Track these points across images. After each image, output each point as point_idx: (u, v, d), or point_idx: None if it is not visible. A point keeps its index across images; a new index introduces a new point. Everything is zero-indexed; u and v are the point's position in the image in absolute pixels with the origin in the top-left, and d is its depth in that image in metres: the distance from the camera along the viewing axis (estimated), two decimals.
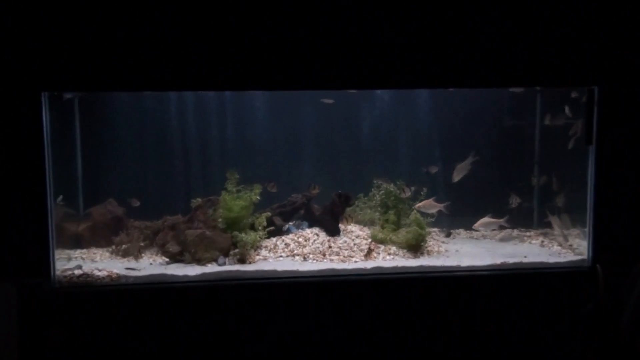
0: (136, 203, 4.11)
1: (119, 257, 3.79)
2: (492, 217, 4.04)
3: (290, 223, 4.12)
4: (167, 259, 3.65)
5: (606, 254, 3.38)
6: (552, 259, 3.63)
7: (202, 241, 3.61)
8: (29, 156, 3.06)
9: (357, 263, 3.59)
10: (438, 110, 4.46)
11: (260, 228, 3.77)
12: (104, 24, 3.04)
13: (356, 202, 4.31)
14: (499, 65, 3.28)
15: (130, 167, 4.30)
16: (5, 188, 3.05)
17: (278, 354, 3.25)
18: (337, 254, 3.70)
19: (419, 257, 3.75)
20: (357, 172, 4.51)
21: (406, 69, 3.24)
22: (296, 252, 3.72)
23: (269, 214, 3.91)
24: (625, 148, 3.39)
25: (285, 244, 3.81)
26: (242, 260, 3.58)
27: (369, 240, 3.89)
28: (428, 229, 3.93)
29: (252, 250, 3.65)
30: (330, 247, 3.78)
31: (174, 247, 3.67)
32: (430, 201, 3.99)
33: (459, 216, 4.26)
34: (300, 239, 3.87)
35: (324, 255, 3.69)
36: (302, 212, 4.22)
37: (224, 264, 3.55)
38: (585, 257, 3.51)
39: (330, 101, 4.28)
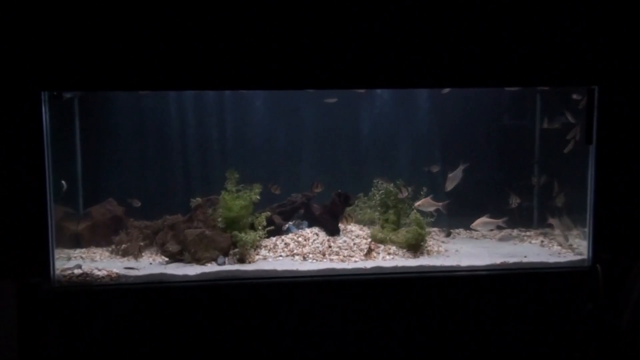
0: (137, 204, 4.11)
1: (118, 257, 3.79)
2: (490, 217, 4.04)
3: (290, 223, 4.12)
4: (166, 259, 3.65)
5: (606, 254, 3.37)
6: (552, 259, 3.63)
7: (202, 241, 3.60)
8: (28, 155, 3.06)
9: (357, 263, 3.58)
10: (438, 109, 4.45)
11: (260, 228, 3.76)
12: (104, 23, 3.04)
13: (356, 202, 4.30)
14: (499, 65, 3.28)
15: (130, 166, 4.30)
16: (5, 187, 3.05)
17: (278, 353, 3.25)
18: (337, 253, 3.70)
19: (418, 257, 3.75)
20: (356, 172, 4.50)
21: (406, 69, 3.24)
22: (296, 252, 3.72)
23: (268, 213, 3.91)
24: (625, 148, 3.39)
25: (285, 244, 3.81)
26: (241, 260, 3.58)
27: (369, 240, 3.89)
28: (428, 229, 3.93)
29: (252, 250, 3.65)
30: (330, 246, 3.78)
31: (173, 247, 3.67)
32: (428, 199, 3.99)
33: (458, 216, 4.26)
34: (300, 239, 3.87)
35: (324, 255, 3.69)
36: (301, 211, 4.22)
37: (224, 263, 3.55)
38: (585, 257, 3.51)
39: (333, 100, 4.28)
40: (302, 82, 3.22)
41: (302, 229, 4.06)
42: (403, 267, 3.50)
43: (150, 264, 3.61)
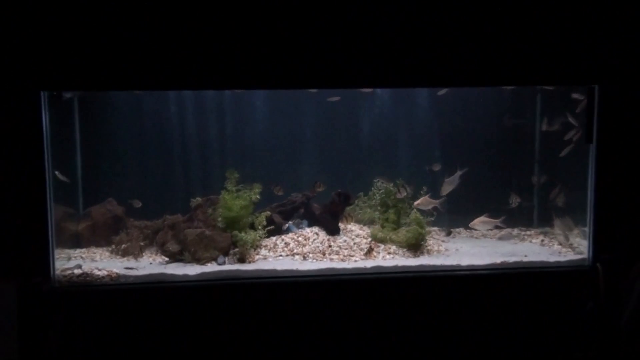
0: (138, 204, 4.10)
1: (118, 257, 3.79)
2: (489, 216, 4.04)
3: (290, 222, 4.12)
4: (166, 259, 3.65)
5: (606, 253, 3.37)
6: (552, 258, 3.62)
7: (202, 240, 3.60)
8: (28, 155, 3.06)
9: (357, 262, 3.58)
10: (438, 109, 4.45)
11: (260, 227, 3.76)
12: (104, 23, 3.04)
13: (356, 201, 4.30)
14: (499, 64, 3.28)
15: (129, 166, 4.30)
16: (5, 187, 3.05)
17: (278, 353, 3.24)
18: (337, 253, 3.70)
19: (419, 256, 3.75)
20: (357, 171, 4.50)
21: (406, 68, 3.23)
22: (296, 252, 3.72)
23: (268, 213, 3.91)
24: (626, 147, 3.38)
25: (285, 243, 3.81)
26: (241, 260, 3.58)
27: (369, 239, 3.89)
28: (428, 228, 3.93)
29: (252, 250, 3.65)
30: (330, 246, 3.78)
31: (173, 247, 3.67)
32: (426, 198, 3.99)
33: (458, 214, 4.26)
34: (300, 238, 3.87)
35: (324, 254, 3.69)
36: (301, 211, 4.22)
37: (224, 263, 3.55)
38: (585, 256, 3.50)
39: (336, 98, 4.27)
40: (302, 82, 3.22)
41: (302, 228, 4.06)
42: (403, 266, 3.50)
43: (150, 264, 3.61)
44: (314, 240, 3.86)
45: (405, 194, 4.06)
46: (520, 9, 3.25)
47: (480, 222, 4.04)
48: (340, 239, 3.89)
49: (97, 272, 3.31)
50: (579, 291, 3.34)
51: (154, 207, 4.12)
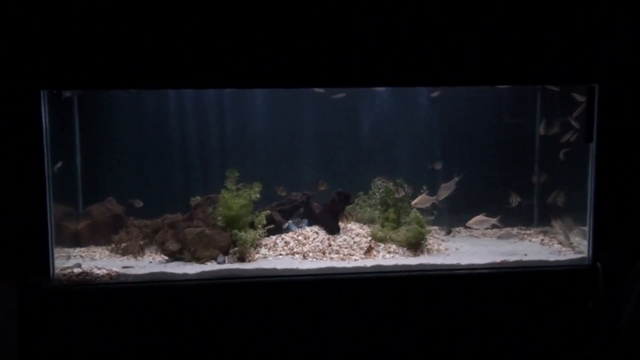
0: (139, 204, 4.10)
1: (118, 256, 3.78)
2: (486, 215, 4.04)
3: (290, 221, 4.12)
4: (166, 257, 3.65)
5: (606, 253, 3.37)
6: (552, 258, 3.62)
7: (202, 239, 3.60)
8: (28, 154, 3.06)
9: (357, 261, 3.58)
10: (438, 108, 4.45)
11: (259, 226, 3.76)
12: (103, 22, 3.03)
13: (356, 201, 4.30)
14: (499, 63, 3.28)
15: (129, 165, 4.30)
16: (5, 186, 3.05)
17: (278, 352, 3.24)
18: (337, 252, 3.70)
19: (419, 256, 3.75)
20: (357, 170, 4.49)
21: (406, 67, 3.23)
22: (296, 251, 3.72)
23: (268, 212, 3.91)
24: (626, 146, 3.38)
25: (285, 242, 3.80)
26: (241, 259, 3.57)
27: (369, 238, 3.88)
28: (428, 227, 3.93)
29: (252, 249, 3.65)
30: (330, 245, 3.78)
31: (173, 246, 3.67)
32: (423, 196, 3.99)
33: (458, 214, 4.26)
34: (300, 237, 3.86)
35: (324, 253, 3.69)
36: (301, 210, 4.22)
37: (224, 262, 3.55)
38: (585, 255, 3.50)
39: (342, 95, 4.26)
40: (302, 81, 3.22)
41: (302, 227, 4.05)
42: (403, 265, 3.50)
43: (150, 263, 3.61)
44: (314, 239, 3.85)
45: (403, 193, 4.06)
46: (520, 8, 3.25)
47: (478, 221, 4.04)
48: (340, 238, 3.89)
49: (96, 271, 3.31)
50: (579, 290, 3.34)
51: (154, 206, 4.11)
